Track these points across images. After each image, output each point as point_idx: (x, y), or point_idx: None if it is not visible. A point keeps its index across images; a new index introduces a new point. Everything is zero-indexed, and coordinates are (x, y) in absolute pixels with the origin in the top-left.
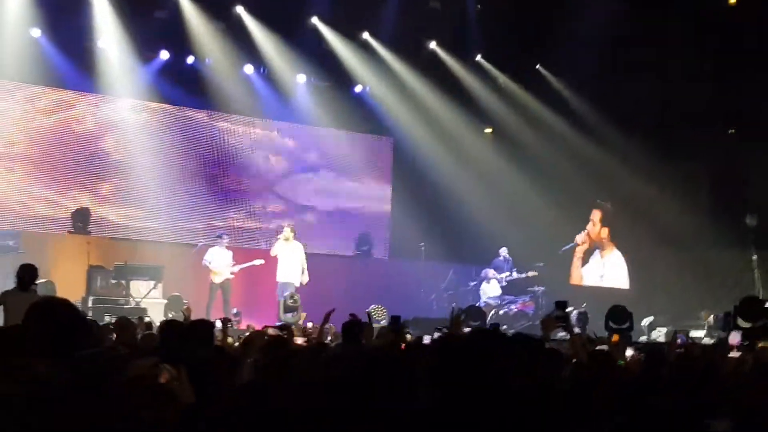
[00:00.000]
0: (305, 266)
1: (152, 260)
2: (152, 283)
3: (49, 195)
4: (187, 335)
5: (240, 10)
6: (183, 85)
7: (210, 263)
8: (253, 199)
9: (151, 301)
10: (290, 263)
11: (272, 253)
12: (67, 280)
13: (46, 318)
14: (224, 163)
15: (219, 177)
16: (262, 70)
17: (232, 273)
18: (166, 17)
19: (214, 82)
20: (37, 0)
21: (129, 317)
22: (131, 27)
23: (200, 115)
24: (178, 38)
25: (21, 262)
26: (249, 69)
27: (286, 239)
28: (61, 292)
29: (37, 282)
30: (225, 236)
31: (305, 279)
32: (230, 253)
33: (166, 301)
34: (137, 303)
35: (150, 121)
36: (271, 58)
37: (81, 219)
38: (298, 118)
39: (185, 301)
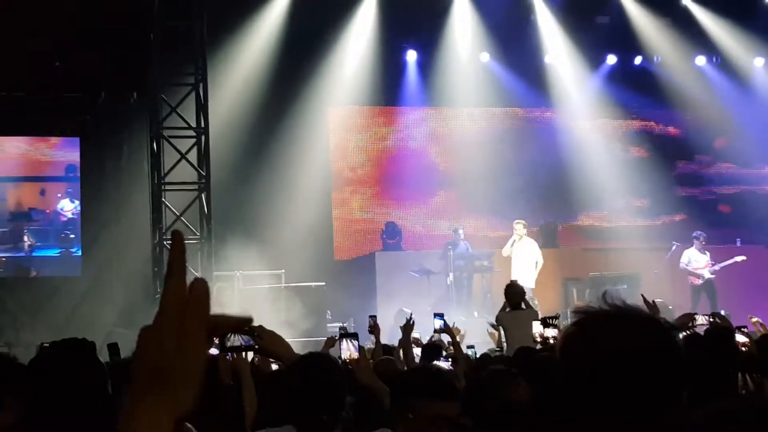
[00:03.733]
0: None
1: (626, 268)
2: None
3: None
4: None
5: (686, 1)
6: (633, 87)
7: (688, 265)
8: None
9: None
10: (519, 264)
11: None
12: (543, 293)
13: None
14: None
15: None
16: (715, 60)
17: (712, 273)
18: (609, 22)
19: (664, 80)
20: (486, 27)
21: None
22: (575, 38)
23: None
24: (624, 40)
25: (496, 280)
26: (701, 60)
27: (520, 237)
28: (541, 305)
29: None
30: (701, 236)
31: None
32: (707, 254)
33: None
34: None
35: (602, 128)
36: (724, 46)
37: (548, 233)
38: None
39: (670, 306)
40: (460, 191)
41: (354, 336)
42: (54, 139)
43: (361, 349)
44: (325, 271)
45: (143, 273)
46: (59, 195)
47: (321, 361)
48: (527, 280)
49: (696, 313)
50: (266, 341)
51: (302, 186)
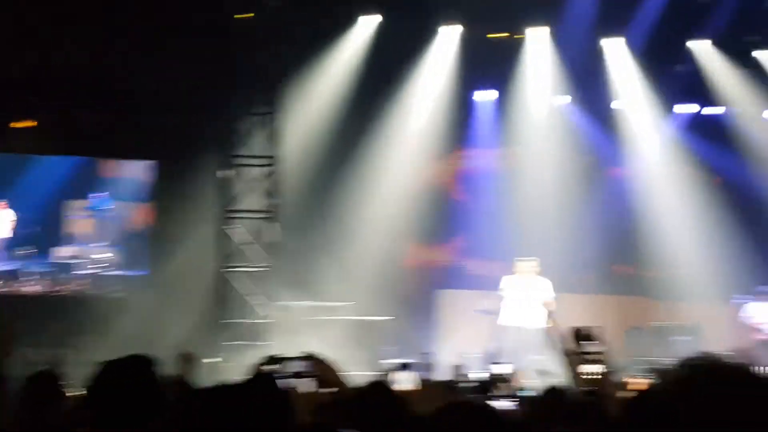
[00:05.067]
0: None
1: (687, 319)
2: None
3: None
4: None
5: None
6: (708, 137)
7: (752, 320)
8: None
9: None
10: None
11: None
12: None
13: None
14: None
15: None
16: None
17: None
18: (686, 70)
19: (739, 131)
20: (562, 68)
21: None
22: (651, 84)
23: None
24: (700, 90)
25: None
26: None
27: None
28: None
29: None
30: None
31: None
32: None
33: None
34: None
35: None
36: None
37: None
38: None
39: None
40: (518, 230)
41: (408, 367)
42: None
43: (417, 378)
44: (391, 305)
45: (205, 298)
46: None
47: (383, 390)
48: (539, 321)
49: None
50: (320, 368)
51: (371, 219)
